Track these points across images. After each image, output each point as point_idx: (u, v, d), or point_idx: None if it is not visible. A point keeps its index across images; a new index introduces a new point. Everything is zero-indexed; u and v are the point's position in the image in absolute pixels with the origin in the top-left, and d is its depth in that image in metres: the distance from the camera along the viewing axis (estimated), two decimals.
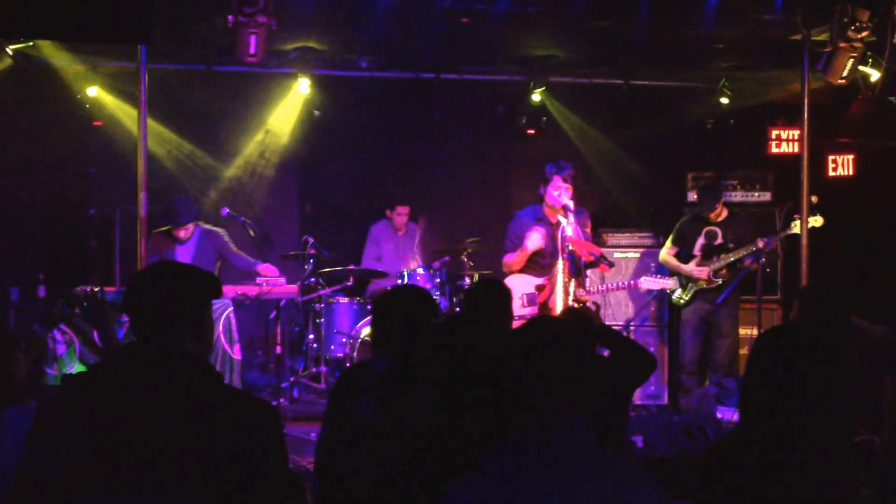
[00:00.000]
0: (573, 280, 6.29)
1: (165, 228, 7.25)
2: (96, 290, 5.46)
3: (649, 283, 7.10)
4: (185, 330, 2.46)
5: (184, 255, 7.24)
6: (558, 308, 6.13)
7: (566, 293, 6.17)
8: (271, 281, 7.04)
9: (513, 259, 6.59)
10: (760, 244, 7.27)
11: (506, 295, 4.35)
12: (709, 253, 7.63)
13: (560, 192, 6.47)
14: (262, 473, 2.32)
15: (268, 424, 2.39)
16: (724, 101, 9.12)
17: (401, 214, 8.69)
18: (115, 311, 4.08)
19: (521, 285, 6.51)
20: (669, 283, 7.48)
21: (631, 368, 4.03)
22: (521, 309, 6.43)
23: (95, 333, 5.30)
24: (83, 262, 8.85)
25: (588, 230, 6.74)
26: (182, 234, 7.23)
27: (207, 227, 7.47)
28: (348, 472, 3.17)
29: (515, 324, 6.27)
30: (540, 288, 6.53)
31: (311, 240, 7.98)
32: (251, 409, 2.39)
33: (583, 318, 4.13)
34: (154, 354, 2.40)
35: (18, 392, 4.34)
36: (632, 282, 7.20)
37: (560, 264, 6.21)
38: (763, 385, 2.53)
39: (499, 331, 4.18)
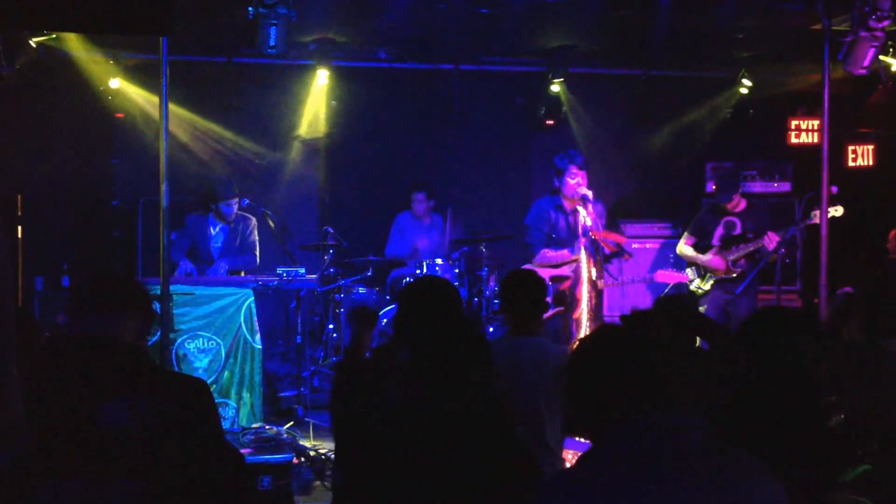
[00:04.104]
0: (595, 270, 6.29)
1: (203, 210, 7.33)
2: None
3: (667, 275, 7.10)
4: (127, 324, 2.66)
5: (217, 237, 7.31)
6: (584, 298, 6.13)
7: (591, 284, 6.17)
8: (291, 270, 7.08)
9: (555, 258, 6.57)
10: (770, 247, 7.22)
11: (542, 286, 4.34)
12: (728, 243, 7.62)
13: (577, 182, 6.48)
14: (197, 444, 2.51)
15: (199, 397, 2.61)
16: (744, 91, 9.10)
17: (419, 202, 8.69)
18: None
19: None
20: (687, 276, 7.47)
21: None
22: None
23: None
24: (107, 252, 8.94)
25: (603, 221, 6.74)
26: (235, 208, 7.29)
27: (242, 212, 7.52)
28: (371, 462, 3.18)
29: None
30: (558, 279, 6.54)
31: (330, 230, 8.01)
32: (182, 384, 2.63)
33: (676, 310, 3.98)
34: (90, 342, 2.58)
35: None
36: (650, 274, 7.20)
37: (583, 255, 6.21)
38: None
39: (533, 323, 4.15)
